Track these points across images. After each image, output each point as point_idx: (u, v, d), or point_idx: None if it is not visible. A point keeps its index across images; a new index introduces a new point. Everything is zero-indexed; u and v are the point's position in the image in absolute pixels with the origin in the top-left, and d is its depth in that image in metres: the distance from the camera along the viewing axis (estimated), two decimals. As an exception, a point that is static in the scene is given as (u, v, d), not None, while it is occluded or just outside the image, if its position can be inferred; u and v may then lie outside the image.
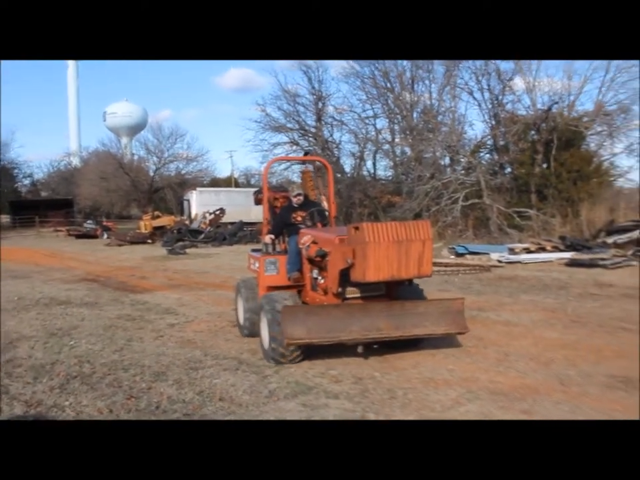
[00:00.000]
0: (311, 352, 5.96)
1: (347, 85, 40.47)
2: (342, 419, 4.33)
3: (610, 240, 15.03)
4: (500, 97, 24.76)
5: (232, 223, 29.74)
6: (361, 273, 5.32)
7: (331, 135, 31.82)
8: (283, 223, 7.19)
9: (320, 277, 6.29)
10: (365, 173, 31.67)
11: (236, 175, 54.16)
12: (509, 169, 24.78)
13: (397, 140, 30.17)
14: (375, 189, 29.78)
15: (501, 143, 24.73)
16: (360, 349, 5.75)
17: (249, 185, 50.03)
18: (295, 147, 31.86)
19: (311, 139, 31.82)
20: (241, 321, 7.33)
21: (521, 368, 5.67)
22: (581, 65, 34.06)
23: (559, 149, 21.73)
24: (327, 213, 7.49)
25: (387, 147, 30.35)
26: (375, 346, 6.07)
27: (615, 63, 21.82)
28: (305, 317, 5.52)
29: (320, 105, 31.14)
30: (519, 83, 24.49)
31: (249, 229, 28.71)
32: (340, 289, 5.83)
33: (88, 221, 38.73)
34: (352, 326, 5.54)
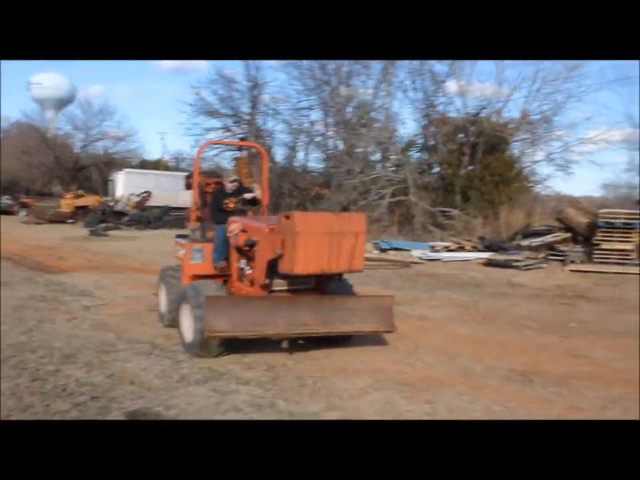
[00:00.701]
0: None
1: (284, 74, 40.25)
2: (342, 419, 4.24)
3: (525, 243, 15.74)
4: (433, 98, 25.35)
5: (158, 207, 29.13)
6: (289, 265, 5.12)
7: (265, 124, 31.65)
8: (218, 209, 6.85)
9: (247, 267, 6.09)
10: (296, 164, 31.73)
11: (166, 158, 52.85)
12: (436, 169, 25.42)
13: (329, 133, 30.36)
14: (305, 181, 29.87)
15: (431, 142, 25.34)
16: (285, 344, 5.68)
17: (179, 169, 48.95)
18: (228, 133, 31.45)
19: (244, 126, 31.50)
20: (163, 309, 7.06)
21: (429, 360, 5.90)
22: (511, 73, 35.31)
23: (485, 153, 22.53)
24: (259, 201, 7.26)
25: (319, 139, 30.45)
26: (301, 342, 6.02)
27: (541, 74, 22.84)
28: (228, 308, 5.28)
29: (256, 92, 30.88)
30: (452, 86, 25.18)
31: (176, 213, 28.21)
32: (267, 281, 5.60)
33: (4, 196, 36.86)
34: (278, 320, 5.34)
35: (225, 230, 6.35)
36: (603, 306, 9.63)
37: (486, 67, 55.16)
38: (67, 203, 30.78)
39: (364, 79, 27.53)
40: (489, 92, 24.68)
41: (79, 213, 29.22)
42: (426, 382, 5.19)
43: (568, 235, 15.41)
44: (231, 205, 6.87)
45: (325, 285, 6.11)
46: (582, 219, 15.16)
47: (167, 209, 28.37)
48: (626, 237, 13.94)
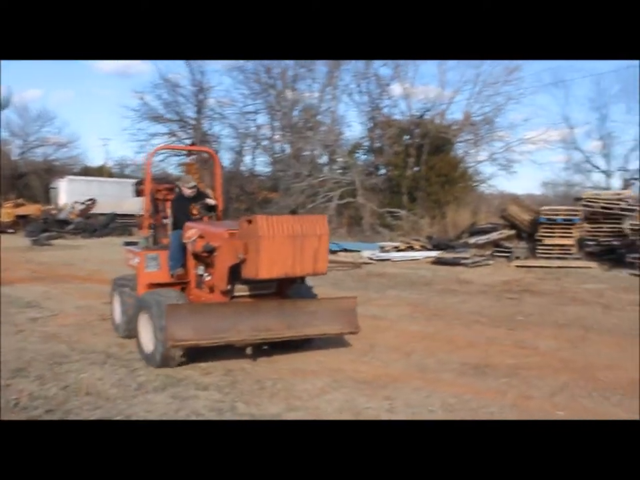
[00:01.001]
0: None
1: (229, 78, 39.94)
2: (338, 419, 4.26)
3: (471, 240, 16.17)
4: (378, 101, 25.74)
5: (103, 214, 28.51)
6: (253, 270, 5.02)
7: (211, 128, 31.44)
8: (182, 215, 6.61)
9: (206, 274, 5.99)
10: (243, 168, 31.61)
11: (109, 165, 51.72)
12: (383, 171, 25.82)
13: (276, 136, 30.40)
14: (252, 185, 29.82)
15: (377, 145, 25.73)
16: (248, 350, 5.62)
17: (123, 175, 48.02)
18: (173, 138, 31.08)
19: (190, 130, 31.18)
20: (118, 320, 6.85)
21: (385, 358, 6.02)
22: (452, 76, 36.21)
23: (430, 154, 23.04)
24: (216, 207, 7.09)
25: (266, 142, 30.46)
26: (265, 347, 5.93)
27: (482, 77, 23.55)
28: (190, 316, 5.12)
29: (201, 96, 30.63)
30: (396, 89, 25.64)
31: (122, 221, 27.69)
32: (228, 287, 5.52)
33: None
34: (240, 325, 5.24)
35: (181, 236, 6.18)
36: (546, 299, 10.00)
37: (428, 69, 56.40)
38: (7, 212, 29.67)
39: (309, 82, 27.73)
40: (432, 94, 25.30)
41: (20, 222, 28.27)
42: (383, 379, 5.30)
43: (512, 232, 15.93)
44: (194, 212, 6.72)
45: (287, 288, 6.06)
46: (525, 216, 15.70)
47: (113, 217, 27.79)
48: (566, 233, 14.52)
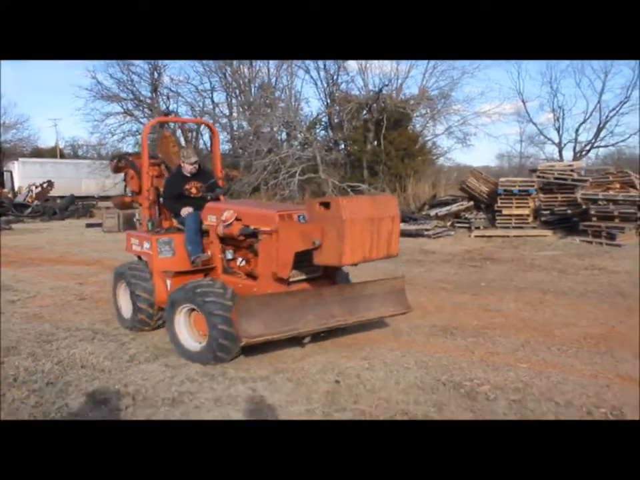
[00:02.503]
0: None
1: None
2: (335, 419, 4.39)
3: (432, 212, 16.67)
4: (335, 77, 25.96)
5: (62, 197, 28.09)
6: (334, 256, 4.62)
7: (167, 107, 31.00)
8: (176, 194, 6.19)
9: (240, 259, 5.64)
10: (202, 146, 31.43)
11: (61, 146, 50.52)
12: (342, 146, 26.12)
13: (234, 114, 30.29)
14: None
15: (336, 120, 25.97)
16: (307, 340, 5.35)
17: (75, 156, 47.03)
18: (128, 118, 30.69)
19: (146, 109, 30.80)
20: (127, 313, 6.22)
21: (361, 325, 6.37)
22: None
23: (388, 129, 23.37)
24: (221, 186, 6.61)
25: (224, 120, 30.34)
26: (322, 334, 5.59)
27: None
28: (259, 309, 4.71)
29: (156, 74, 30.23)
30: (352, 64, 25.86)
31: (82, 202, 27.36)
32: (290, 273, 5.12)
33: None
34: (308, 315, 4.95)
35: (198, 217, 5.84)
36: (506, 266, 10.56)
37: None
38: (-39, 197, 29.02)
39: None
40: (388, 69, 25.62)
41: (-26, 207, 27.67)
42: (361, 343, 5.68)
43: (471, 203, 16.50)
44: (194, 191, 6.23)
45: (335, 272, 5.73)
46: (483, 188, 16.26)
47: (72, 198, 27.43)
48: (523, 203, 15.13)
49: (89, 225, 20.67)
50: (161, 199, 6.54)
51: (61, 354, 5.41)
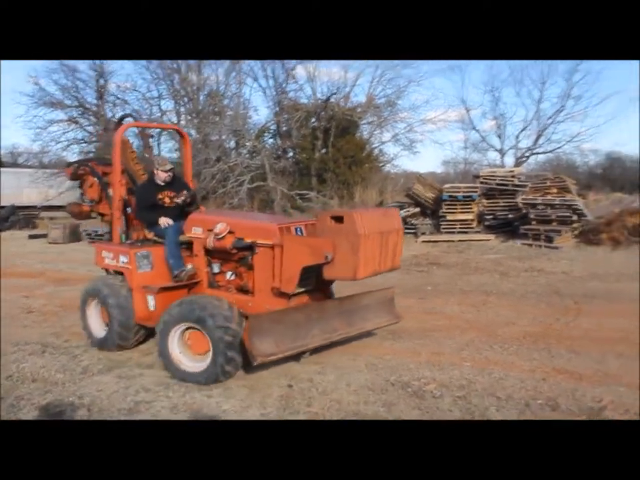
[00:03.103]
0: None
1: (131, 63, 38.86)
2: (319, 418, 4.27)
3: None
4: (284, 85, 26.11)
5: (2, 207, 27.21)
6: (348, 270, 4.54)
7: (114, 115, 30.55)
8: (150, 204, 5.88)
9: (230, 273, 5.47)
10: (156, 153, 31.02)
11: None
12: (291, 154, 26.29)
13: (182, 122, 30.05)
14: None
15: (284, 128, 26.09)
16: (307, 355, 5.16)
17: (15, 164, 45.53)
18: (73, 126, 30.02)
19: (91, 117, 30.22)
20: (102, 332, 5.87)
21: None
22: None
23: (336, 136, 23.68)
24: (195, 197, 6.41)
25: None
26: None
27: (382, 61, 24.43)
28: (270, 327, 4.63)
29: (102, 81, 29.71)
30: (301, 72, 26.10)
31: (24, 212, 26.61)
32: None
33: None
34: (313, 330, 4.95)
35: (180, 229, 5.64)
36: (451, 270, 10.94)
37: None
38: None
39: (214, 67, 27.61)
40: (336, 77, 25.98)
41: None
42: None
43: (417, 209, 16.90)
44: (167, 200, 5.97)
45: (329, 285, 5.65)
46: (429, 194, 16.68)
47: (12, 209, 26.60)
48: (467, 209, 15.60)
49: (32, 236, 20.13)
50: (129, 209, 6.27)
51: (10, 368, 5.34)
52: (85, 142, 30.65)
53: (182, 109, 29.70)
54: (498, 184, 15.61)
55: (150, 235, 5.97)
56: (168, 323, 4.97)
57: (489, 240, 14.80)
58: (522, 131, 31.72)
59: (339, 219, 4.55)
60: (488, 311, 7.45)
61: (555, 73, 36.38)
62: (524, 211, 14.48)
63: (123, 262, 5.68)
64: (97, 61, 28.70)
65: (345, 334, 5.21)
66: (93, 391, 4.72)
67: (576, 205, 13.84)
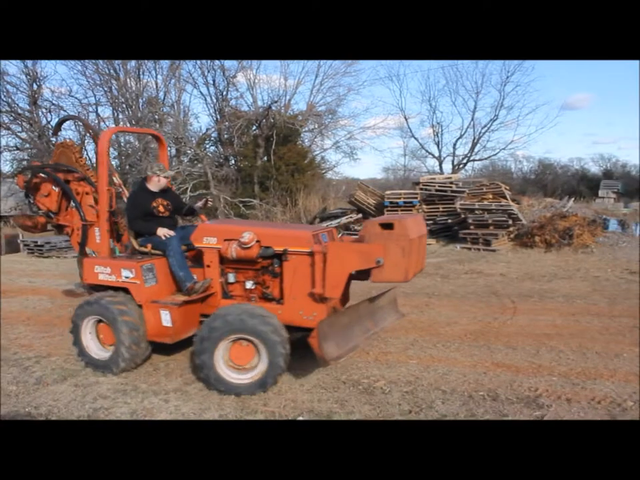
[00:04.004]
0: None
1: (65, 67, 37.93)
2: (315, 418, 4.30)
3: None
4: (225, 93, 26.16)
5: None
6: (400, 273, 4.63)
7: (49, 122, 29.78)
8: (145, 213, 5.66)
9: (250, 283, 5.35)
10: (88, 162, 30.32)
11: None
12: (233, 161, 26.32)
13: (121, 129, 29.56)
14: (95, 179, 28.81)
15: (226, 136, 26.11)
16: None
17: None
18: (4, 132, 29.06)
19: (24, 123, 29.35)
20: (100, 354, 5.50)
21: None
22: (295, 67, 37.42)
23: (278, 144, 23.88)
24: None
25: (112, 136, 29.54)
26: None
27: (322, 69, 24.87)
28: (331, 330, 4.68)
29: (35, 86, 28.90)
30: (242, 80, 26.22)
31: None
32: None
33: None
34: (355, 331, 5.06)
35: (180, 239, 5.52)
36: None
37: (271, 61, 57.34)
38: None
39: (153, 73, 27.40)
40: (277, 85, 26.24)
41: None
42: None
43: (360, 215, 17.27)
44: (161, 209, 5.78)
45: (348, 288, 5.75)
46: (371, 200, 17.10)
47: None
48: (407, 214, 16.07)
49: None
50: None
51: (-41, 382, 5.30)
52: (18, 149, 29.73)
53: (120, 116, 29.27)
54: (437, 190, 16.16)
55: (148, 247, 5.64)
56: (215, 337, 4.78)
57: (430, 244, 15.27)
58: (459, 138, 32.93)
59: (388, 226, 4.64)
60: (430, 311, 7.80)
61: (488, 84, 37.98)
62: (462, 216, 15.02)
63: (127, 277, 5.37)
64: (29, 65, 28.04)
65: (374, 332, 5.35)
66: (49, 401, 4.74)
67: (511, 209, 14.49)
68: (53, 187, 6.30)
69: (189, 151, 26.44)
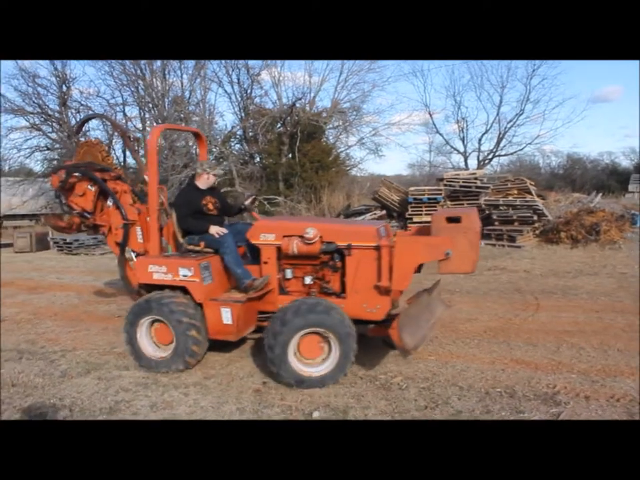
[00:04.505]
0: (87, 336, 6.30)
1: (94, 69, 38.49)
2: (326, 418, 4.43)
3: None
4: (249, 91, 26.32)
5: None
6: (468, 264, 4.84)
7: (77, 121, 30.29)
8: (195, 211, 5.67)
9: (309, 277, 5.44)
10: (115, 161, 30.77)
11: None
12: (258, 159, 26.48)
13: (148, 128, 29.96)
14: (127, 178, 29.24)
15: (251, 134, 26.29)
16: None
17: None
18: (35, 133, 29.66)
19: (54, 124, 29.91)
20: (156, 354, 5.43)
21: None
22: (319, 65, 37.54)
23: (302, 141, 23.95)
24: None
25: (138, 135, 29.93)
26: None
27: (347, 66, 24.83)
28: (407, 321, 4.80)
29: (64, 87, 29.43)
30: (266, 78, 26.34)
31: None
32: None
33: None
34: (421, 321, 5.22)
35: (234, 237, 5.55)
36: (417, 270, 11.24)
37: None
38: None
39: (178, 73, 27.68)
40: (301, 82, 26.30)
41: None
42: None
43: (384, 212, 17.25)
44: (210, 207, 5.78)
45: None
46: (394, 197, 17.06)
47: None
48: (432, 210, 15.96)
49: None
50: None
51: (-12, 375, 5.46)
52: (48, 149, 30.32)
53: (147, 115, 29.65)
54: (461, 186, 16.04)
55: (201, 245, 5.61)
56: (289, 331, 4.84)
57: (453, 241, 15.13)
58: (484, 134, 32.63)
59: (455, 219, 4.82)
60: (452, 308, 7.75)
61: (513, 78, 37.56)
62: (487, 212, 14.91)
63: (186, 275, 5.32)
64: (59, 67, 28.57)
65: (432, 322, 5.46)
66: (73, 393, 4.87)
67: (536, 205, 14.33)
68: (89, 187, 6.21)
69: (214, 149, 26.67)
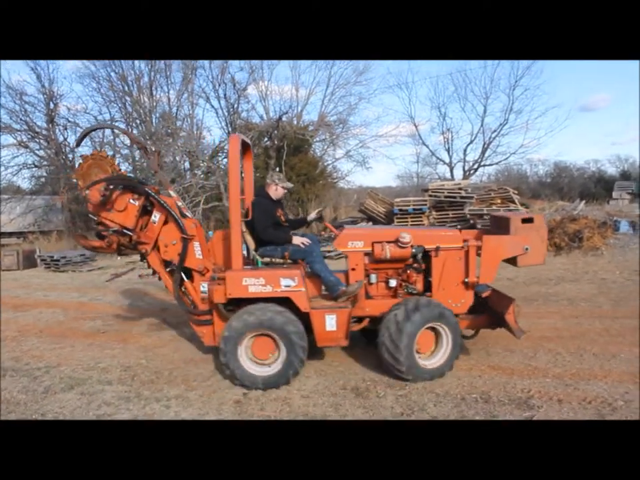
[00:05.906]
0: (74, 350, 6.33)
1: (81, 85, 38.57)
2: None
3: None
4: (236, 105, 26.49)
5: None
6: (540, 257, 5.67)
7: (65, 138, 30.36)
8: (274, 223, 5.72)
9: (393, 280, 5.70)
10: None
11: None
12: (245, 173, 26.58)
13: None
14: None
15: (237, 148, 26.37)
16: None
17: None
18: (22, 150, 29.68)
19: (42, 141, 29.95)
20: (258, 370, 5.26)
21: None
22: (306, 78, 37.78)
23: (289, 155, 24.10)
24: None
25: (125, 151, 30.02)
26: None
27: (333, 79, 25.07)
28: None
29: (51, 104, 29.51)
30: (253, 92, 26.52)
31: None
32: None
33: None
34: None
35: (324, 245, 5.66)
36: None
37: (283, 71, 57.95)
38: None
39: (165, 89, 27.84)
40: (288, 96, 26.52)
41: None
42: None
43: (369, 223, 17.34)
44: (282, 218, 5.91)
45: None
46: (380, 209, 17.18)
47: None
48: (417, 221, 16.12)
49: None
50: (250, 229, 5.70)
51: (-28, 392, 5.49)
52: (36, 166, 30.32)
53: (135, 131, 29.72)
54: (446, 196, 16.20)
55: (286, 256, 5.59)
56: (413, 330, 5.16)
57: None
58: (469, 144, 32.88)
59: (529, 220, 5.66)
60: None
61: (496, 89, 37.95)
62: (471, 222, 15.05)
63: (289, 285, 5.24)
64: (46, 85, 28.68)
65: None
66: (55, 408, 4.92)
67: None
68: (131, 200, 5.72)
69: (201, 164, 26.76)
